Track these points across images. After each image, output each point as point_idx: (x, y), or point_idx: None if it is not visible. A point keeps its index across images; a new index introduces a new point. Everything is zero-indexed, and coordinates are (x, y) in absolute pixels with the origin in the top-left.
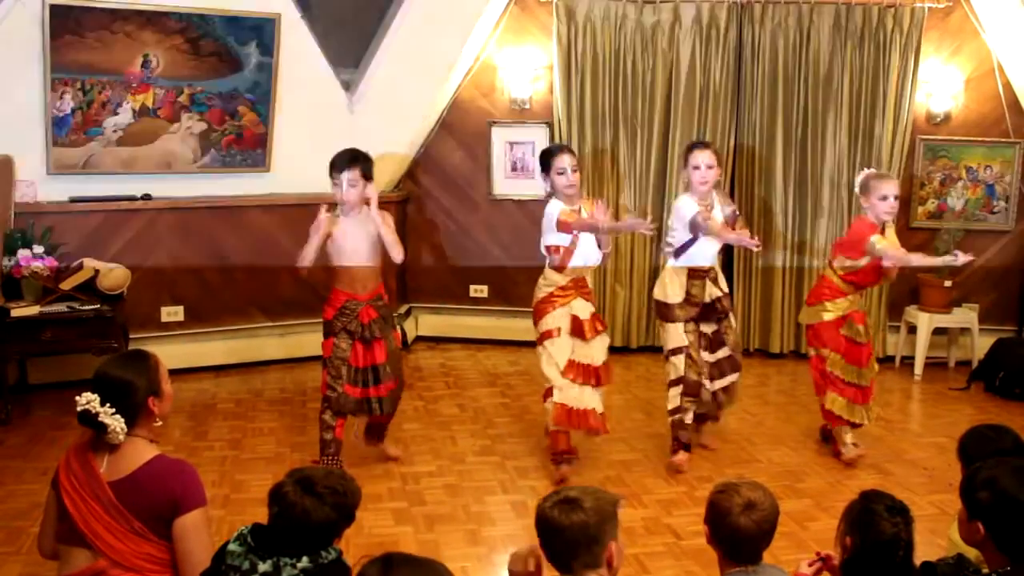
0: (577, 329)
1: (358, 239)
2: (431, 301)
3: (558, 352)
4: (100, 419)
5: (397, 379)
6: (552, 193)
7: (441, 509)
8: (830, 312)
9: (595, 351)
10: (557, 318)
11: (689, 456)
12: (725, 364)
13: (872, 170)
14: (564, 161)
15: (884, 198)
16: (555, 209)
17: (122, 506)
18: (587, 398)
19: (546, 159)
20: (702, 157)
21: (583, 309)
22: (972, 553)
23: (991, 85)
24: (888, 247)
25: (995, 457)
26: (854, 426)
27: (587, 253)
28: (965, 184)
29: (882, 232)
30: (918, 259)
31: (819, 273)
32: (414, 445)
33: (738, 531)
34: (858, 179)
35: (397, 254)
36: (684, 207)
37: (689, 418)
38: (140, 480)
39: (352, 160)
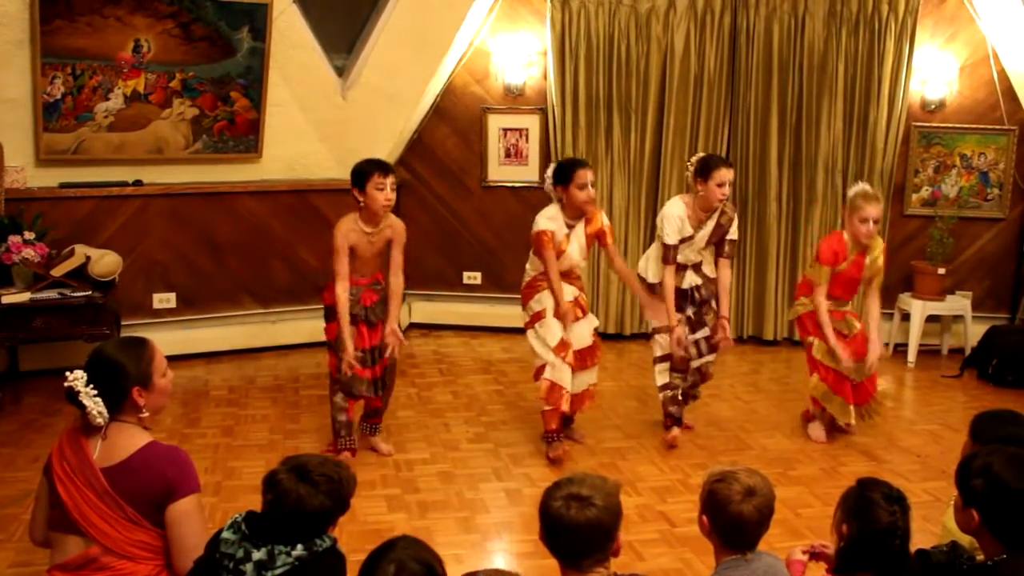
0: (558, 312)
1: (369, 249)
2: (424, 288)
3: (549, 331)
4: (80, 399)
5: (390, 360)
6: (560, 201)
7: (434, 496)
8: (804, 306)
9: (576, 335)
10: (543, 300)
11: (681, 431)
12: (703, 344)
13: (865, 186)
14: (588, 176)
15: (864, 221)
16: (543, 225)
17: (115, 493)
18: (572, 379)
19: (567, 172)
20: (728, 175)
21: (566, 292)
22: (966, 540)
23: (986, 72)
24: (817, 304)
25: (991, 445)
26: (827, 412)
27: (575, 262)
28: (959, 171)
29: (862, 253)
30: (829, 332)
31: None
32: (407, 432)
33: (740, 518)
34: (851, 191)
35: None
36: (671, 222)
37: (679, 394)
38: (133, 466)
39: (389, 165)
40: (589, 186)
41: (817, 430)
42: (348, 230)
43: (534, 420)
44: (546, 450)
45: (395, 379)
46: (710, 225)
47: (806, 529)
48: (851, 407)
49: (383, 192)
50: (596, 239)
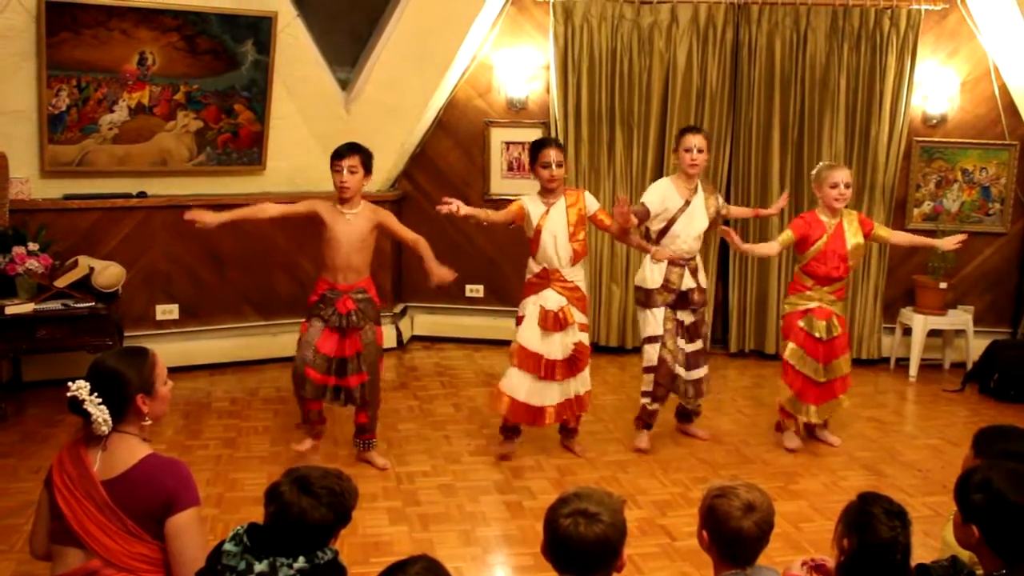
0: (541, 319)
1: (350, 233)
2: (426, 300)
3: (520, 337)
4: (85, 407)
5: (370, 374)
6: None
7: (436, 509)
8: (791, 304)
9: (552, 345)
10: (526, 305)
11: (649, 435)
12: (699, 356)
13: (826, 162)
14: (550, 156)
15: (834, 185)
16: (521, 199)
17: (115, 505)
18: (531, 391)
19: (534, 151)
20: (694, 140)
21: (551, 300)
22: (966, 555)
23: (987, 87)
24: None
25: (991, 460)
26: (797, 420)
27: (550, 253)
28: (960, 186)
29: (840, 224)
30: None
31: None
32: (408, 445)
33: (740, 534)
34: (813, 171)
35: (417, 243)
36: (652, 189)
37: (655, 406)
38: (133, 479)
39: (352, 148)
40: (553, 165)
41: (792, 440)
42: (322, 199)
43: (534, 433)
44: (500, 443)
45: (378, 395)
46: (698, 203)
47: (807, 543)
48: (813, 407)
49: (338, 175)
50: (594, 223)
